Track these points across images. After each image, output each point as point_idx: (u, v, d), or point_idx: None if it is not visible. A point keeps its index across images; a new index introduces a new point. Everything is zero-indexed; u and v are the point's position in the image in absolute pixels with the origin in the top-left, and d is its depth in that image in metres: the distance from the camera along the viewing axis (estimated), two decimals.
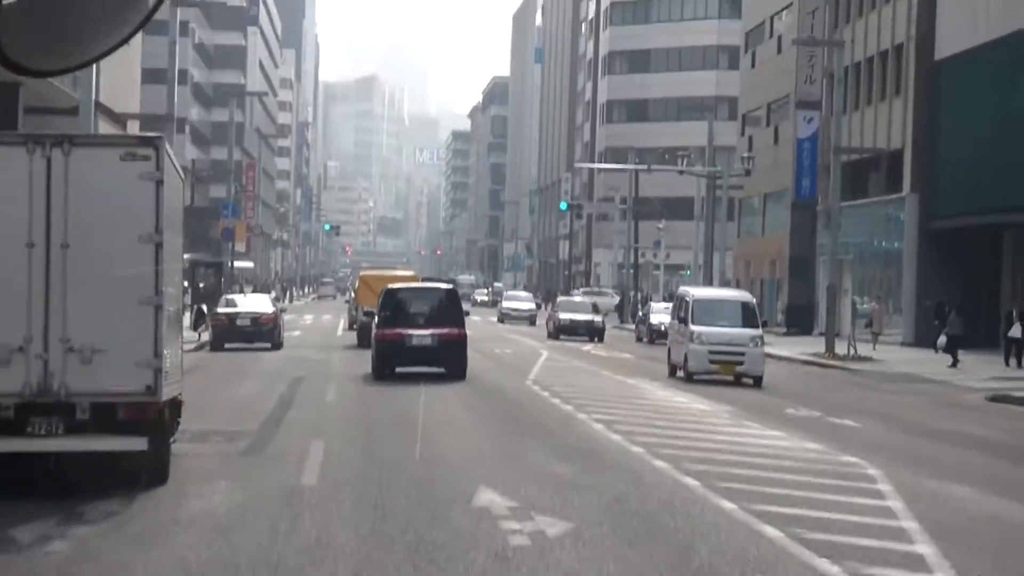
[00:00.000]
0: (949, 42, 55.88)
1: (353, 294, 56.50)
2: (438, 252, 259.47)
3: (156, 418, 15.05)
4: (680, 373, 35.53)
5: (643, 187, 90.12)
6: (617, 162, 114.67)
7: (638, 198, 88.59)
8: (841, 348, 46.72)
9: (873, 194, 62.89)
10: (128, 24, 3.57)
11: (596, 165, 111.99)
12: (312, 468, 17.05)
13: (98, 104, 35.75)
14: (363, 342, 43.74)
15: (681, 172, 79.38)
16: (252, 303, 45.94)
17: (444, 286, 39.38)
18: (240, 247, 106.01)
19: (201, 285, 56.74)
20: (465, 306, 43.11)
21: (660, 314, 59.67)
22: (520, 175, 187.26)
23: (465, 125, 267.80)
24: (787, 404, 28.93)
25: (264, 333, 43.90)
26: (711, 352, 34.34)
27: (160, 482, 15.28)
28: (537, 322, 75.67)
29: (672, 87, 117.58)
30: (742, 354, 34.15)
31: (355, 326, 49.94)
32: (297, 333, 56.83)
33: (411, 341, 32.67)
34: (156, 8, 3.60)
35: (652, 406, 27.39)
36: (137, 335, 14.85)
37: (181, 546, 11.97)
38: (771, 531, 12.93)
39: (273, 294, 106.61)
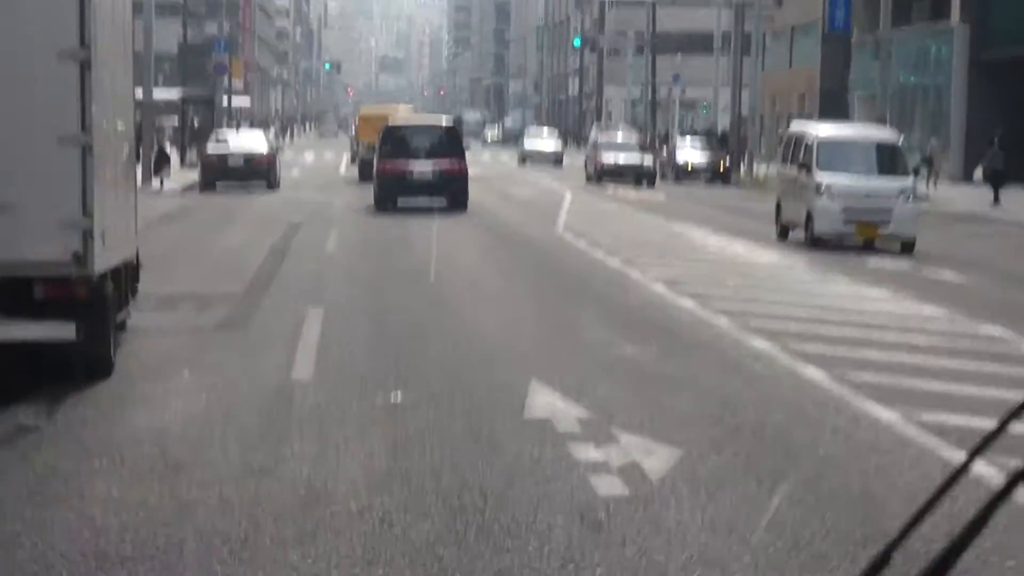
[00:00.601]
0: None
1: (354, 131, 55.77)
2: (441, 91, 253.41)
3: (89, 297, 10.95)
4: (797, 235, 27.29)
5: (659, 21, 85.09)
6: None
7: (655, 32, 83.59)
8: None
9: (916, 23, 58.17)
10: None
11: None
12: (307, 353, 12.82)
13: None
14: (364, 176, 43.44)
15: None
16: (246, 141, 41.46)
17: (444, 122, 38.82)
18: (238, 85, 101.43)
19: (196, 123, 52.22)
20: (475, 144, 42.24)
21: (687, 150, 57.07)
22: (526, 12, 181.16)
23: None
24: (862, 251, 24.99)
25: (259, 172, 39.63)
26: (846, 209, 25.80)
27: (102, 376, 11.27)
28: (563, 163, 70.05)
29: None
30: (889, 211, 25.75)
31: (356, 161, 50.17)
32: (296, 173, 52.67)
33: (412, 174, 33.12)
34: None
35: (716, 260, 23.23)
36: (59, 186, 10.74)
37: (100, 495, 7.88)
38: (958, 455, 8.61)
39: (272, 131, 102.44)
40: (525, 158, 71.46)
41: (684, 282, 18.89)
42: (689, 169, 55.91)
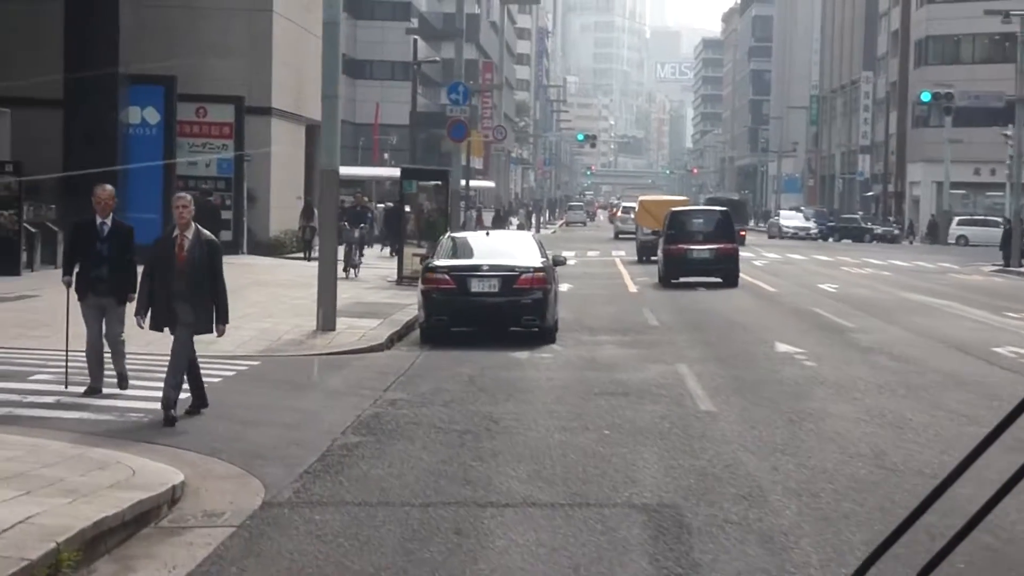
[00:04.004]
0: None
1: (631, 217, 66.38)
2: (694, 171, 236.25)
3: None
4: None
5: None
6: (942, 52, 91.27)
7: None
8: None
9: None
10: None
11: None
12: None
13: None
14: (642, 257, 52.10)
15: None
16: (503, 246, 24.43)
17: (719, 208, 44.90)
18: (476, 163, 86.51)
19: (426, 207, 35.53)
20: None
21: None
22: (788, 82, 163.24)
23: (711, 34, 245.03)
24: None
25: (524, 307, 22.51)
26: None
27: None
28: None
29: None
30: None
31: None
32: (566, 288, 35.61)
33: (692, 254, 38.11)
34: None
35: None
36: None
37: None
38: None
39: (515, 222, 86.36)
40: None
41: None
42: None
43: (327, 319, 21.93)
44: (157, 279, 13.76)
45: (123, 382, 15.07)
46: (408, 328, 24.01)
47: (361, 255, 38.43)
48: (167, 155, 37.93)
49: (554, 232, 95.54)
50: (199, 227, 13.89)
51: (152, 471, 11.28)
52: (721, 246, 38.02)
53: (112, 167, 32.56)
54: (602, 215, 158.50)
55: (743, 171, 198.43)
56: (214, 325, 13.95)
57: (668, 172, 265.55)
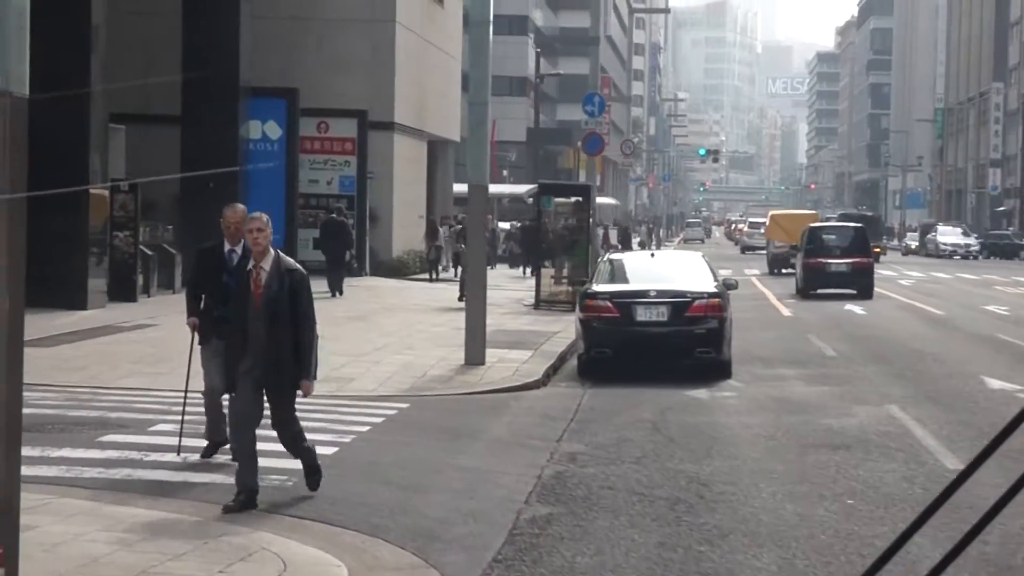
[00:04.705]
0: None
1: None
2: (811, 187, 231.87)
3: None
4: None
5: None
6: None
7: None
8: None
9: None
10: None
11: None
12: None
13: None
14: (772, 270, 54.72)
15: None
16: (669, 270, 21.86)
17: (855, 224, 47.08)
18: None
19: (564, 223, 33.05)
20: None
21: None
22: (910, 94, 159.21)
23: (824, 48, 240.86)
24: None
25: (699, 337, 19.96)
26: None
27: None
28: None
29: None
30: None
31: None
32: None
33: (830, 267, 40.21)
34: None
35: None
36: None
37: None
38: None
39: (637, 239, 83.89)
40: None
41: None
42: None
43: (476, 352, 19.59)
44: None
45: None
46: (561, 360, 21.61)
47: None
48: (289, 172, 35.93)
49: (674, 249, 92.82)
50: (279, 254, 10.79)
51: (306, 561, 8.96)
52: (857, 260, 40.02)
53: (228, 169, 30.56)
54: (717, 232, 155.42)
55: (861, 186, 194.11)
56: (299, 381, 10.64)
57: (783, 188, 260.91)
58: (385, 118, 42.80)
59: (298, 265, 10.88)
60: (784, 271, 51.86)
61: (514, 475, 12.28)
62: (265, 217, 10.70)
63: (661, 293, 19.57)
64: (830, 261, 40.21)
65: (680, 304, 19.44)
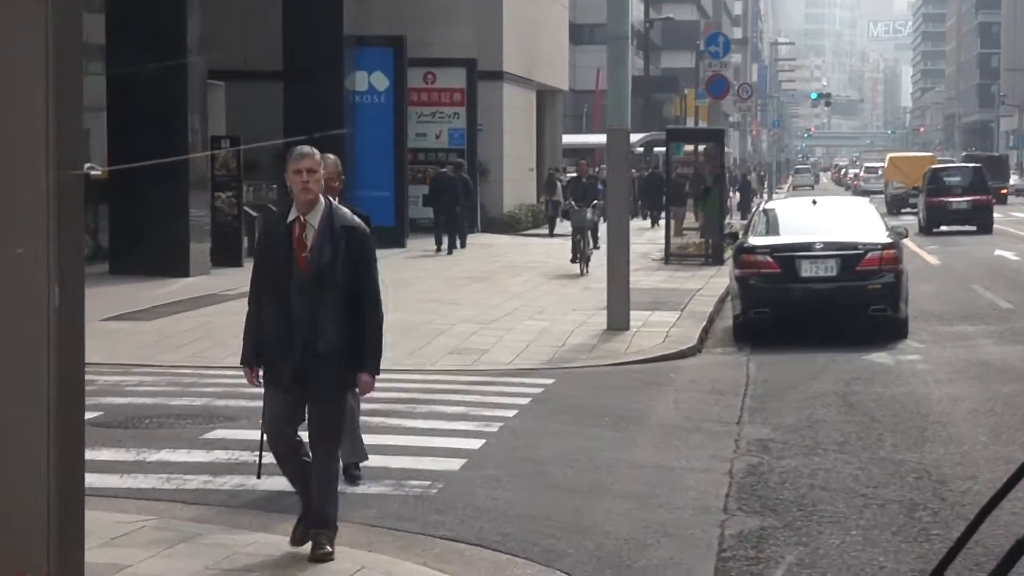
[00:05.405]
0: None
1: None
2: (920, 129, 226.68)
3: None
4: None
5: None
6: None
7: None
8: None
9: None
10: None
11: None
12: None
13: None
14: (891, 210, 54.89)
15: None
16: (834, 219, 19.27)
17: (973, 165, 48.02)
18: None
19: (684, 173, 30.86)
20: None
21: None
22: (1022, 32, 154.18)
23: None
24: None
25: (873, 292, 17.53)
26: None
27: None
28: None
29: None
30: None
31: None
32: None
33: (951, 206, 42.28)
34: None
35: None
36: None
37: None
38: None
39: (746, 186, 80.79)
40: None
41: None
42: None
43: (619, 315, 17.47)
44: (265, 300, 7.79)
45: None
46: (710, 321, 19.45)
47: (595, 243, 28.50)
48: (398, 125, 33.92)
49: (786, 196, 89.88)
50: (333, 204, 7.85)
51: None
52: (976, 198, 42.11)
53: (334, 132, 28.59)
54: (824, 177, 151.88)
55: (970, 127, 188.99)
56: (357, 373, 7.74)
57: (891, 132, 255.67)
58: (494, 67, 40.68)
59: (357, 220, 7.86)
60: (904, 211, 54.03)
61: (700, 471, 10.18)
62: (318, 155, 7.86)
63: (828, 245, 17.30)
64: (951, 200, 42.49)
65: (851, 257, 17.17)
